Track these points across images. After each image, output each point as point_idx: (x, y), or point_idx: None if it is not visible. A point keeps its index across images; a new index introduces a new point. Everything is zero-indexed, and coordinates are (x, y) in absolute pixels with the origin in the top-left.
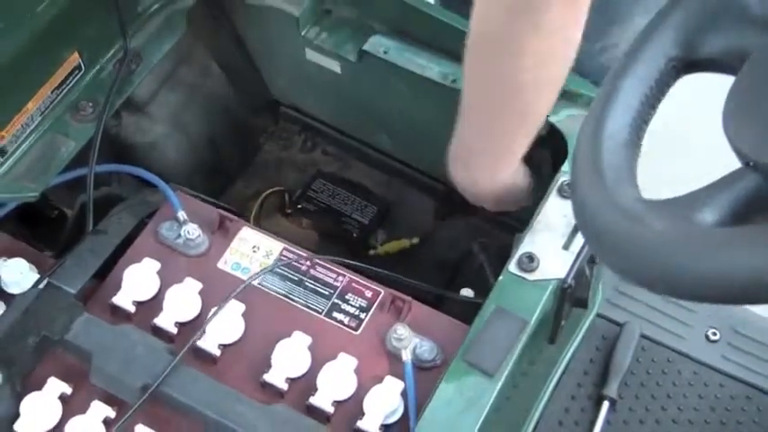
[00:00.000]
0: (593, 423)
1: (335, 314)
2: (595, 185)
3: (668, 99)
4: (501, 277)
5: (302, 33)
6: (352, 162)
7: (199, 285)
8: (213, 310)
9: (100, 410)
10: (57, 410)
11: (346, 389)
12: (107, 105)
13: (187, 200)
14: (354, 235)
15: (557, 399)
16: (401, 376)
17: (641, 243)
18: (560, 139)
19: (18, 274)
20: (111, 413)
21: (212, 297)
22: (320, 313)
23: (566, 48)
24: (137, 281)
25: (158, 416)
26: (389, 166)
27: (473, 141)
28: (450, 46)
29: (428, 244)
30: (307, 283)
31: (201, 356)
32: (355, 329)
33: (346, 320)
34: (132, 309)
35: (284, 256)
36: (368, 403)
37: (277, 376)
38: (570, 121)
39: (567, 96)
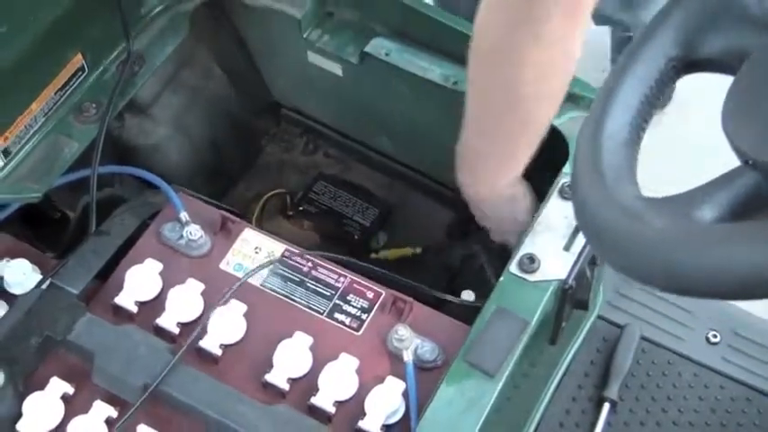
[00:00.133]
0: (593, 425)
1: (337, 315)
2: (596, 184)
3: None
4: (502, 278)
5: (304, 36)
6: (353, 164)
7: (201, 286)
8: (214, 308)
9: (102, 410)
10: (59, 410)
11: (348, 389)
12: (110, 107)
13: (189, 201)
14: (356, 237)
15: (557, 400)
16: (402, 377)
17: (641, 240)
18: (561, 140)
19: (21, 275)
20: (114, 413)
21: (214, 298)
22: (322, 314)
23: (565, 59)
24: (139, 281)
25: (160, 416)
26: (391, 168)
27: (477, 145)
28: (451, 48)
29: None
30: (308, 284)
31: (203, 356)
32: (357, 330)
33: (348, 321)
34: (134, 309)
35: (286, 256)
36: (369, 403)
37: (278, 376)
38: (572, 123)
39: (568, 98)
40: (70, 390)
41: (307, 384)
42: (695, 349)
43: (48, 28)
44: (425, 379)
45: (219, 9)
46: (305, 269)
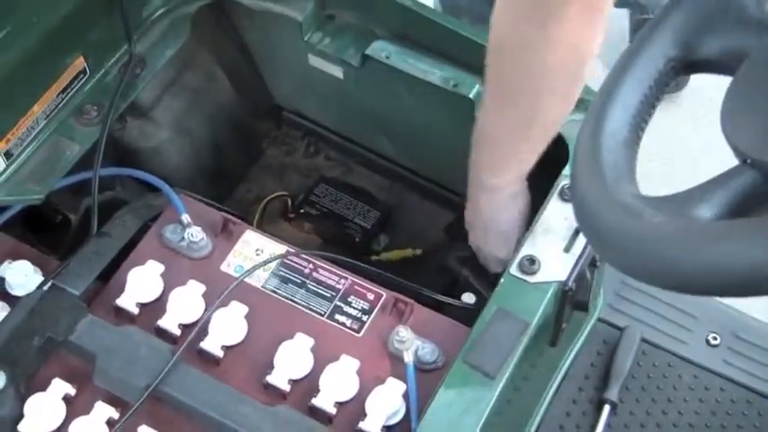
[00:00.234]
0: (594, 427)
1: (338, 316)
2: (595, 183)
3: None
4: (502, 279)
5: (305, 38)
6: (354, 167)
7: (202, 288)
8: (213, 307)
9: (103, 411)
10: (60, 411)
11: (348, 390)
12: (112, 109)
13: (191, 203)
14: (357, 239)
15: (558, 402)
16: (403, 378)
17: (640, 238)
18: (562, 143)
19: (23, 276)
20: (115, 414)
21: (215, 299)
22: (322, 315)
23: (578, 58)
24: (140, 283)
25: (161, 417)
26: (392, 170)
27: (486, 137)
28: (451, 51)
29: (431, 252)
30: (309, 286)
31: (205, 358)
32: (357, 331)
33: (348, 323)
34: (136, 310)
35: (287, 258)
36: (370, 404)
37: (280, 377)
38: (572, 126)
39: None
40: (72, 391)
41: (308, 385)
42: (695, 352)
43: (50, 31)
44: (426, 380)
45: (221, 12)
46: (306, 271)
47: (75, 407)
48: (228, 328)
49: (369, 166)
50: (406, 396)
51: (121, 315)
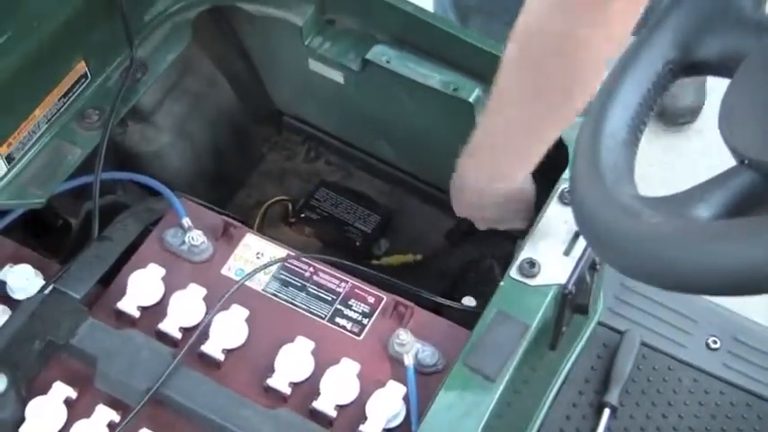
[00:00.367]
0: (594, 430)
1: (338, 319)
2: (594, 183)
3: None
4: (502, 282)
5: (305, 43)
6: (354, 171)
7: (203, 291)
8: (214, 310)
9: (104, 414)
10: (62, 415)
11: (349, 393)
12: (113, 113)
13: (191, 207)
14: (357, 244)
15: (558, 406)
16: (403, 381)
17: (639, 238)
18: (561, 146)
19: (24, 280)
20: (116, 417)
21: (216, 303)
22: (323, 319)
23: (615, 56)
24: (141, 286)
25: (162, 420)
26: (392, 175)
27: (500, 136)
28: (452, 55)
29: (431, 257)
30: (310, 289)
31: (206, 361)
32: (358, 335)
33: (349, 326)
34: (137, 314)
35: (288, 261)
36: (370, 407)
37: (280, 381)
38: (571, 129)
39: None
40: (73, 394)
41: (308, 388)
42: (695, 355)
43: (51, 35)
44: (426, 383)
45: (221, 17)
46: (306, 274)
47: (77, 410)
48: (229, 331)
49: (369, 170)
50: (406, 399)
51: (122, 318)
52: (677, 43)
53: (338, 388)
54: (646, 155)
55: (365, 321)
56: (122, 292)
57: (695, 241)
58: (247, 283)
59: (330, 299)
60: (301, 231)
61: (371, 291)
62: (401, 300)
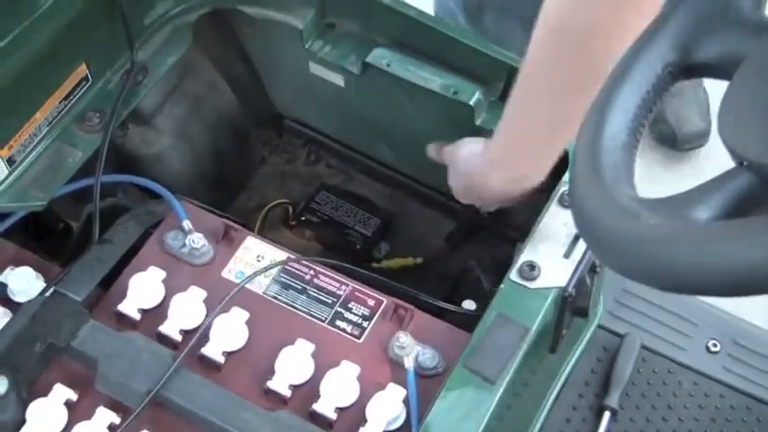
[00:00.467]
0: None
1: (338, 322)
2: (594, 185)
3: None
4: (502, 285)
5: (306, 46)
6: (355, 175)
7: (203, 294)
8: (214, 313)
9: (105, 417)
10: (62, 417)
11: (349, 396)
12: (114, 116)
13: (192, 210)
14: (357, 247)
15: (558, 409)
16: (403, 383)
17: (637, 239)
18: None
19: (25, 283)
20: (116, 419)
21: (217, 305)
22: (323, 321)
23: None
24: (142, 289)
25: (163, 422)
26: (392, 178)
27: (526, 135)
28: (452, 58)
29: (431, 260)
30: (310, 292)
31: (206, 363)
32: (358, 337)
33: (349, 329)
34: (137, 316)
35: (288, 264)
36: (370, 410)
37: (280, 383)
38: None
39: None
40: (73, 396)
41: (308, 391)
42: (695, 358)
43: (52, 38)
44: (426, 386)
45: (222, 20)
46: (307, 277)
47: (77, 412)
48: (230, 333)
49: (369, 173)
50: (406, 401)
51: (123, 321)
52: (676, 45)
53: (338, 390)
54: (654, 181)
55: (365, 324)
56: (123, 295)
57: (694, 241)
58: (248, 285)
59: (330, 302)
60: (302, 234)
61: (372, 294)
62: (401, 303)
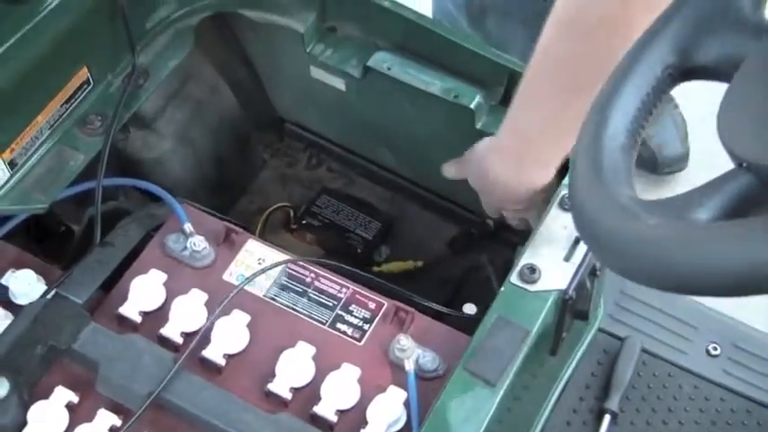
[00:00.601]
0: None
1: (339, 325)
2: (593, 187)
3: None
4: (503, 288)
5: (307, 50)
6: (356, 178)
7: (205, 296)
8: (215, 314)
9: (106, 419)
10: (63, 419)
11: (350, 398)
12: (115, 119)
13: (193, 212)
14: (358, 250)
15: (558, 412)
16: (404, 386)
17: (637, 239)
18: None
19: (26, 285)
20: (118, 422)
21: (217, 308)
22: (324, 324)
23: None
24: (143, 292)
25: (163, 424)
26: (393, 182)
27: (539, 127)
28: (452, 62)
29: (432, 264)
30: (311, 295)
31: (207, 366)
32: (359, 340)
33: (350, 331)
34: (139, 319)
35: (289, 267)
36: (371, 412)
37: (281, 385)
38: None
39: None
40: (75, 398)
41: (309, 393)
42: (696, 362)
43: (54, 41)
44: (427, 388)
45: (224, 24)
46: (307, 280)
47: (78, 414)
48: (230, 336)
49: (370, 177)
50: (406, 404)
51: (124, 324)
52: (676, 48)
53: (339, 393)
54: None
55: (366, 327)
56: (124, 298)
57: (694, 242)
58: (249, 288)
59: (331, 304)
60: (303, 238)
61: (372, 296)
62: (402, 305)
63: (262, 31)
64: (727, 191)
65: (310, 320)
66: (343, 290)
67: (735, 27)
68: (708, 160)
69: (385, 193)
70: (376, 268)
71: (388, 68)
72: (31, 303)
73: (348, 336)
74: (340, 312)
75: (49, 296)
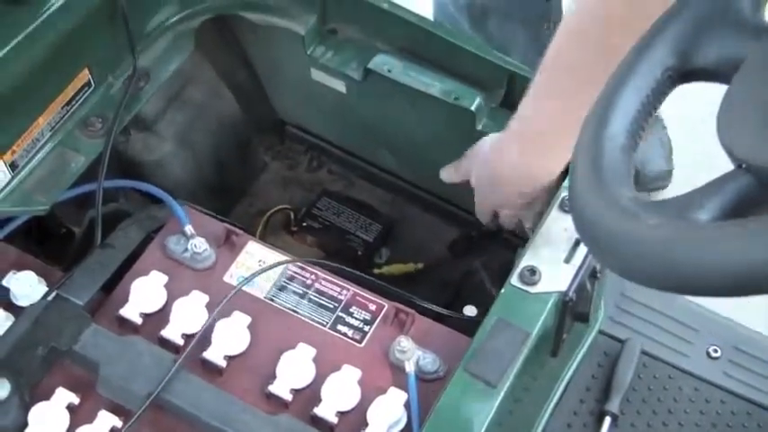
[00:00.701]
0: None
1: (340, 327)
2: (593, 187)
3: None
4: (503, 290)
5: (307, 52)
6: (356, 181)
7: (205, 298)
8: (215, 315)
9: (107, 420)
10: (64, 420)
11: (350, 400)
12: (116, 122)
13: (194, 214)
14: (359, 253)
15: (559, 414)
16: (404, 388)
17: (637, 240)
18: None
19: (27, 287)
20: (118, 423)
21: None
22: (325, 326)
23: None
24: (144, 293)
25: (164, 425)
26: (394, 184)
27: (551, 121)
28: (453, 64)
29: (432, 266)
30: (311, 297)
31: (207, 367)
32: (359, 342)
33: (350, 333)
34: (139, 321)
35: (290, 269)
36: (371, 414)
37: (282, 387)
38: None
39: None
40: (75, 400)
41: (310, 395)
42: (696, 364)
43: (55, 44)
44: (427, 390)
45: (224, 26)
46: (308, 282)
47: (79, 416)
48: (231, 337)
49: (371, 179)
50: (407, 406)
51: (125, 325)
52: (676, 50)
53: (339, 394)
54: None
55: (366, 328)
56: (125, 299)
57: (694, 242)
58: (249, 290)
59: (332, 306)
60: (303, 240)
61: (373, 298)
62: (402, 307)
63: (262, 33)
64: (727, 192)
65: (311, 322)
66: (344, 291)
67: (734, 28)
68: (708, 161)
69: (385, 196)
70: (376, 270)
71: (389, 71)
72: (31, 305)
73: (348, 337)
74: (340, 314)
75: (49, 298)
